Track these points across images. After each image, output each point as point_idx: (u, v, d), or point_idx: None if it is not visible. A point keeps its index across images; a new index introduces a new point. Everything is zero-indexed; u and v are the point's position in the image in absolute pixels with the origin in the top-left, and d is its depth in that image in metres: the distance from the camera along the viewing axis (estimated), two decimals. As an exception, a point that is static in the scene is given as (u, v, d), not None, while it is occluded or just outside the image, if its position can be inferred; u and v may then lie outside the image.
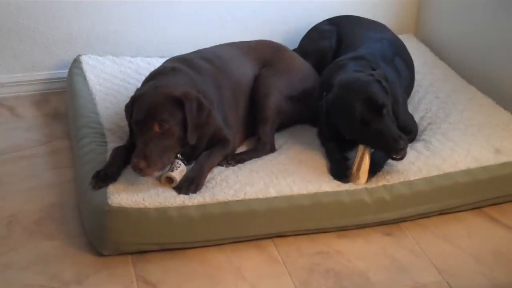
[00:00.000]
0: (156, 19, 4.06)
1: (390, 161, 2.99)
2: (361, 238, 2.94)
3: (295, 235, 2.92)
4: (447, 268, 2.79)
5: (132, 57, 3.96)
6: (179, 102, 2.78)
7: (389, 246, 2.90)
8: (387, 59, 3.39)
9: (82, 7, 3.91)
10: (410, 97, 3.59)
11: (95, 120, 3.27)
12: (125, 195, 2.72)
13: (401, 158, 2.92)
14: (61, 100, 3.88)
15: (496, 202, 3.16)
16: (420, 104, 3.56)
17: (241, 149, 3.19)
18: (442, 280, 2.73)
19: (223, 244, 2.84)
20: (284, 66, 3.38)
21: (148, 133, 2.75)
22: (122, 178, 2.83)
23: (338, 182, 2.94)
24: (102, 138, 3.13)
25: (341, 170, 2.98)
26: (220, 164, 3.00)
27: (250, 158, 3.09)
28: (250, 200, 2.82)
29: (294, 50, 3.80)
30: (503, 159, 3.12)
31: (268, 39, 3.67)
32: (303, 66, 3.49)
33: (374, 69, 3.14)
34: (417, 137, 3.28)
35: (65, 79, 3.89)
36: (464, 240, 2.95)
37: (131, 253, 2.77)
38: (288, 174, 2.96)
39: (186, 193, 2.78)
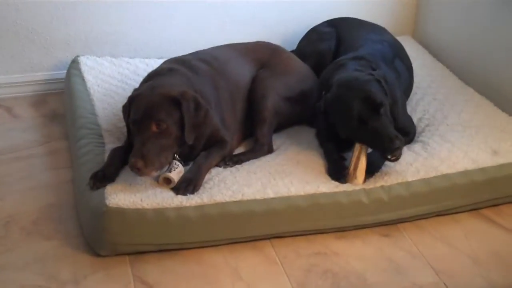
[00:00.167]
0: (155, 21, 4.06)
1: (387, 162, 2.99)
2: (358, 239, 2.94)
3: (292, 236, 2.92)
4: (445, 269, 2.79)
5: (130, 58, 3.96)
6: (176, 102, 2.79)
7: (386, 247, 2.90)
8: (387, 60, 3.40)
9: (80, 8, 3.91)
10: (408, 98, 3.59)
11: (93, 121, 3.27)
12: (123, 196, 2.72)
13: (396, 159, 2.93)
14: (59, 101, 3.88)
15: (493, 204, 3.16)
16: (418, 106, 3.56)
17: (239, 150, 3.19)
18: (439, 281, 2.73)
19: (220, 244, 2.84)
20: (281, 67, 3.38)
21: (145, 133, 2.75)
22: (120, 178, 2.83)
23: (336, 183, 2.94)
24: (100, 139, 3.13)
25: (338, 171, 2.98)
26: (218, 165, 3.01)
27: (248, 159, 3.09)
28: (247, 201, 2.82)
29: (292, 51, 3.80)
30: (500, 160, 3.12)
31: (266, 40, 3.67)
32: (300, 68, 3.49)
33: (374, 69, 3.14)
34: (415, 138, 3.29)
35: (63, 80, 3.90)
36: (461, 242, 2.95)
37: (129, 254, 2.77)
38: (285, 175, 2.96)
39: (184, 194, 2.78)
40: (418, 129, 3.36)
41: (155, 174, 2.77)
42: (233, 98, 3.20)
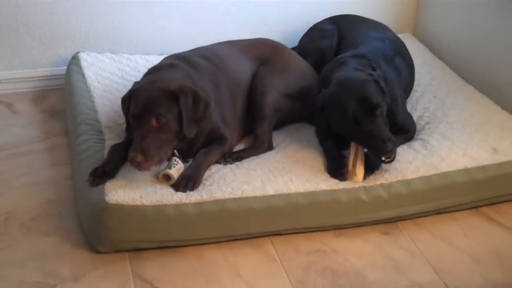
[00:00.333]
0: (155, 17, 4.06)
1: (386, 160, 3.00)
2: (358, 236, 2.94)
3: (292, 233, 2.92)
4: (444, 268, 2.79)
5: (131, 54, 3.96)
6: (174, 96, 2.78)
7: (386, 245, 2.90)
8: (388, 58, 3.39)
9: (80, 4, 3.91)
10: (409, 96, 3.59)
11: (93, 117, 3.27)
12: (123, 192, 2.72)
13: (391, 161, 2.93)
14: (59, 97, 3.88)
15: (493, 202, 3.16)
16: (418, 104, 3.56)
17: (239, 147, 3.19)
18: (438, 279, 2.73)
19: (220, 242, 2.85)
20: (282, 64, 3.38)
21: (145, 127, 2.75)
22: (119, 175, 2.83)
23: (336, 181, 2.94)
24: (100, 135, 3.13)
25: (338, 168, 2.98)
26: (217, 162, 3.01)
27: (247, 156, 3.09)
28: (247, 198, 2.82)
29: (293, 48, 3.80)
30: (500, 158, 3.12)
31: (267, 38, 3.66)
32: (301, 65, 3.49)
33: (374, 69, 3.14)
34: (415, 136, 3.29)
35: (63, 76, 3.89)
36: (461, 240, 2.95)
37: (128, 250, 2.77)
38: (285, 172, 2.96)
39: (184, 190, 2.78)
40: (418, 127, 3.36)
41: (154, 168, 2.77)
42: (233, 95, 3.20)
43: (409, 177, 2.99)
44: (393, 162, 2.99)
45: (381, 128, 2.89)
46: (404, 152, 3.10)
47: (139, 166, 2.70)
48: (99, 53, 3.90)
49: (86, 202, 2.79)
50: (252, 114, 3.23)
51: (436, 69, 3.96)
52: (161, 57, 3.37)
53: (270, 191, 2.85)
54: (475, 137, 3.23)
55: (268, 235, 2.90)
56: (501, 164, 3.11)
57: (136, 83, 2.95)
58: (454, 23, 4.15)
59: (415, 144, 3.19)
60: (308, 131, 3.30)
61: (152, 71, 3.06)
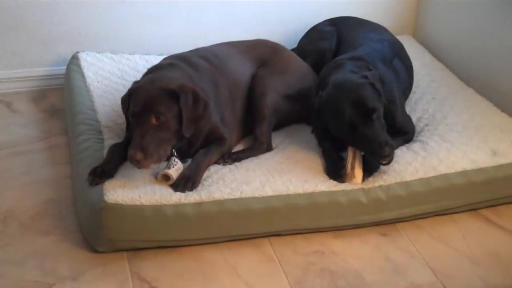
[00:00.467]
0: (155, 17, 4.06)
1: (385, 162, 3.00)
2: (357, 238, 2.94)
3: (291, 234, 2.92)
4: (442, 269, 2.79)
5: (130, 54, 3.96)
6: (175, 95, 2.79)
7: (384, 247, 2.90)
8: (386, 60, 3.39)
9: (80, 3, 3.91)
10: (407, 98, 3.59)
11: (93, 117, 3.27)
12: (122, 192, 2.72)
13: (388, 163, 2.93)
14: (59, 96, 3.88)
15: (492, 204, 3.16)
16: (418, 105, 3.56)
17: (238, 147, 3.19)
18: (437, 281, 2.73)
19: (218, 242, 2.85)
20: (281, 65, 3.38)
21: (144, 125, 2.75)
22: (118, 175, 2.83)
23: (335, 182, 2.94)
24: (99, 135, 3.13)
25: (336, 170, 2.98)
26: (216, 163, 3.01)
27: (246, 157, 3.09)
28: (246, 198, 2.82)
29: (292, 50, 3.80)
30: (499, 161, 3.12)
31: (267, 39, 3.66)
32: (300, 66, 3.49)
33: (370, 70, 3.13)
34: (414, 138, 3.29)
35: (63, 76, 3.90)
36: (459, 242, 2.95)
37: (127, 250, 2.77)
38: (284, 173, 2.96)
39: (183, 190, 2.78)
40: (417, 129, 3.36)
41: (153, 166, 2.77)
42: (233, 96, 3.20)
43: (408, 179, 2.99)
44: (392, 164, 2.99)
45: (378, 133, 2.89)
46: (403, 154, 3.10)
47: (138, 164, 2.70)
48: (99, 53, 3.90)
49: (85, 201, 2.79)
50: (252, 115, 3.24)
51: (435, 71, 3.96)
52: (161, 58, 3.37)
53: (269, 192, 2.85)
54: (474, 139, 3.23)
55: (267, 236, 2.90)
56: (500, 167, 3.11)
57: (135, 83, 2.95)
58: (454, 25, 4.16)
59: (414, 146, 3.19)
60: (307, 132, 3.28)
61: (152, 70, 3.07)
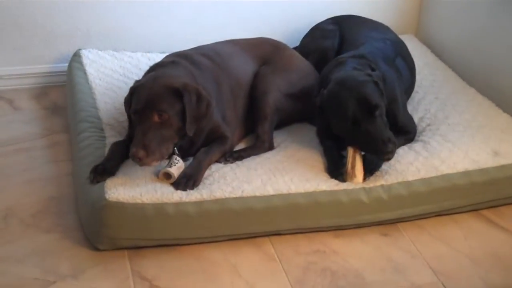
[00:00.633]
0: (157, 15, 4.06)
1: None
2: (358, 237, 2.94)
3: (292, 233, 2.92)
4: (443, 270, 2.79)
5: (133, 52, 3.96)
6: (178, 93, 2.78)
7: (385, 247, 2.90)
8: (388, 59, 3.39)
9: (82, 1, 3.90)
10: (409, 97, 3.58)
11: (94, 115, 3.27)
12: (123, 190, 2.72)
13: (389, 159, 2.92)
14: (61, 93, 3.88)
15: (493, 205, 3.16)
16: (420, 105, 3.56)
17: (240, 146, 3.19)
18: (437, 281, 2.73)
19: (219, 241, 2.84)
20: (283, 64, 3.38)
21: (147, 123, 2.75)
22: (120, 173, 2.83)
23: (336, 181, 2.93)
24: (101, 133, 3.13)
25: (337, 169, 2.98)
26: (218, 161, 3.00)
27: (248, 156, 3.08)
28: (247, 197, 2.82)
29: (295, 48, 3.80)
30: (501, 161, 3.12)
31: (269, 37, 3.66)
32: (302, 64, 3.48)
33: (373, 69, 3.13)
34: (416, 137, 3.28)
35: (65, 73, 3.89)
36: (460, 242, 2.95)
37: (128, 248, 2.77)
38: (286, 172, 2.96)
39: (184, 189, 2.78)
40: (419, 128, 3.35)
41: (155, 164, 2.77)
42: (235, 94, 3.20)
43: (410, 178, 2.99)
44: (393, 164, 2.99)
45: (381, 129, 2.89)
46: (404, 154, 3.10)
47: (140, 162, 2.70)
48: (101, 50, 3.90)
49: (86, 199, 2.79)
50: (253, 113, 3.23)
51: (438, 71, 3.95)
52: (163, 55, 3.37)
53: (270, 191, 2.85)
54: (476, 140, 3.23)
55: (268, 235, 2.90)
56: (501, 167, 3.11)
57: (137, 81, 2.95)
58: (456, 25, 4.15)
59: (416, 145, 3.19)
60: (309, 131, 3.29)
61: (154, 68, 3.06)
